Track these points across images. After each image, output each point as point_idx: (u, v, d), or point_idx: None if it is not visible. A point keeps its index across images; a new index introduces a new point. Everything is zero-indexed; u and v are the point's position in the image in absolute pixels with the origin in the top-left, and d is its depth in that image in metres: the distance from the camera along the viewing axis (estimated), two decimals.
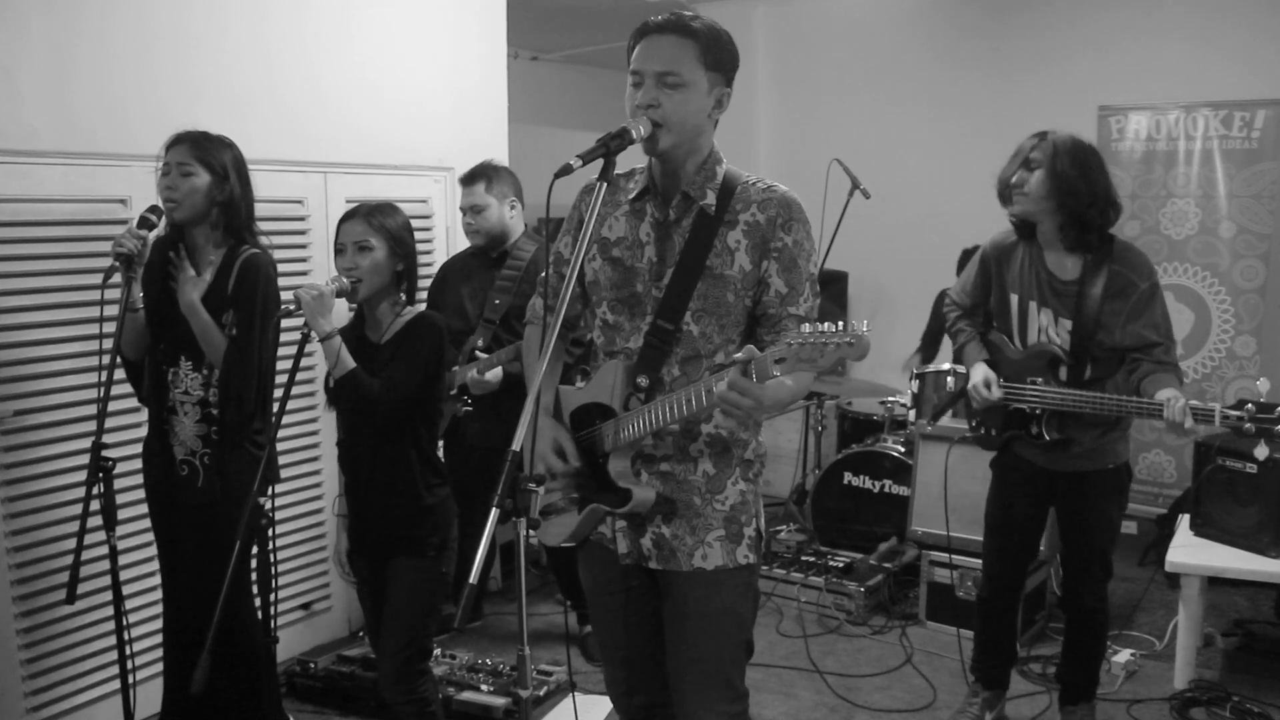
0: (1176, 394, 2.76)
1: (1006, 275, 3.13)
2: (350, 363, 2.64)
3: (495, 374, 3.64)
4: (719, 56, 2.07)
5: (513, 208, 3.86)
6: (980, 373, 3.12)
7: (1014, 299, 3.12)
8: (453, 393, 3.73)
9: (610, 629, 2.33)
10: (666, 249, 2.12)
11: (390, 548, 2.76)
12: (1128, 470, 3.18)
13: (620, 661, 2.33)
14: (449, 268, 4.02)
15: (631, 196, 2.17)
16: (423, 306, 2.86)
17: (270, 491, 2.56)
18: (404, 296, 2.78)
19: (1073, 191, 2.91)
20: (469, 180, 3.84)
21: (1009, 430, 3.15)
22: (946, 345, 5.36)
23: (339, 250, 2.73)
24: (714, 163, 2.13)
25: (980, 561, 3.98)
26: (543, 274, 2.27)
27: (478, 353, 3.72)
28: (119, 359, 2.78)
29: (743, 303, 2.10)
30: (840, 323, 1.72)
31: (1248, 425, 2.67)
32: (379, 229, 2.70)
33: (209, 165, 2.79)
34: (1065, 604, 3.35)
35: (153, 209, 2.77)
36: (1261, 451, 2.75)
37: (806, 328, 1.74)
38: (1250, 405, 2.71)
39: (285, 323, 2.88)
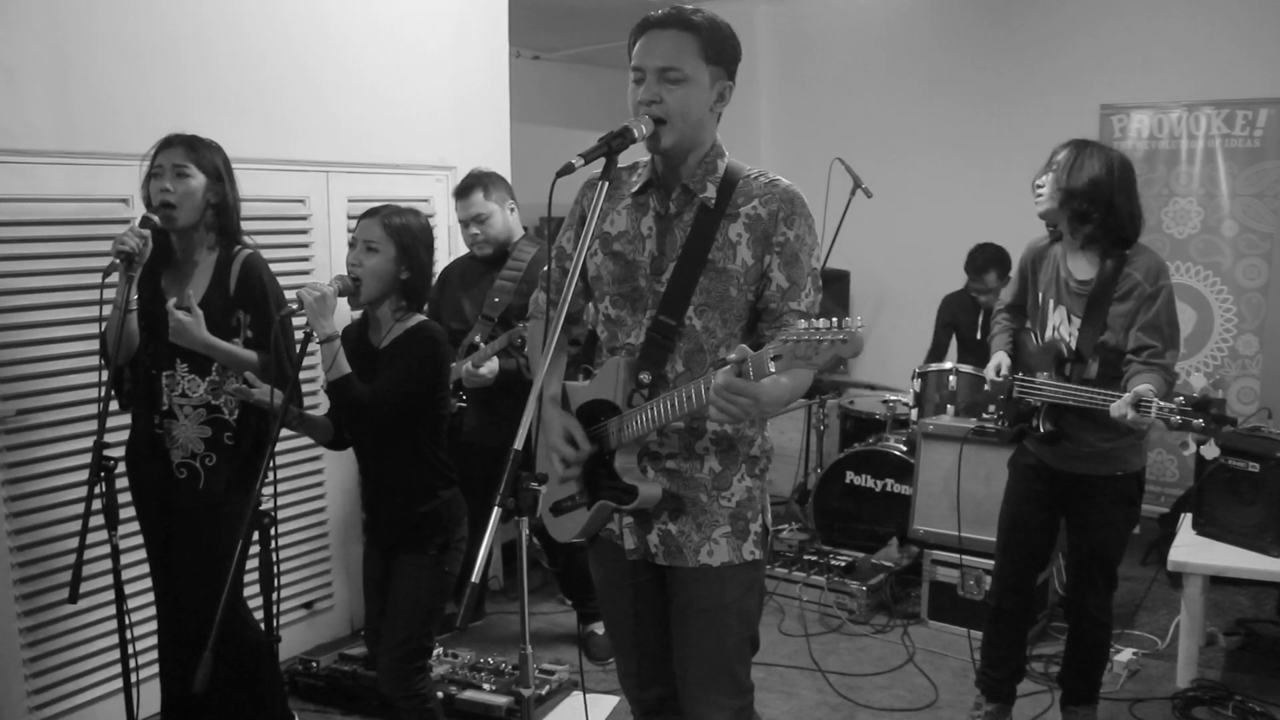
0: (1148, 387, 2.76)
1: (1039, 276, 3.20)
2: (345, 367, 2.64)
3: (490, 367, 3.55)
4: (720, 50, 2.06)
5: (511, 210, 3.81)
6: (995, 359, 3.23)
7: (1041, 297, 3.19)
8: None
9: (621, 623, 2.34)
10: (667, 243, 2.12)
11: (395, 545, 2.78)
12: (1138, 481, 3.15)
13: (632, 655, 2.35)
14: (449, 272, 3.97)
15: (634, 190, 2.16)
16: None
17: (274, 490, 2.56)
18: (405, 303, 2.77)
19: (1089, 194, 2.93)
20: (464, 191, 3.74)
21: (1019, 423, 3.19)
22: (952, 350, 5.39)
23: (350, 245, 2.75)
24: (715, 156, 2.12)
25: (985, 562, 4.00)
26: (545, 269, 2.27)
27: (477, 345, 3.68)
28: (105, 360, 2.77)
29: (745, 297, 2.10)
30: (834, 319, 1.71)
31: (1175, 418, 2.69)
32: (392, 232, 2.69)
33: (203, 167, 2.79)
34: (1068, 612, 3.34)
35: (153, 212, 2.75)
36: (1210, 451, 2.75)
37: (802, 324, 1.73)
38: (1180, 398, 2.73)
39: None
